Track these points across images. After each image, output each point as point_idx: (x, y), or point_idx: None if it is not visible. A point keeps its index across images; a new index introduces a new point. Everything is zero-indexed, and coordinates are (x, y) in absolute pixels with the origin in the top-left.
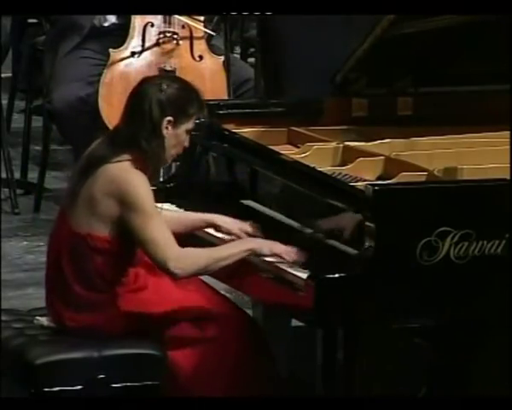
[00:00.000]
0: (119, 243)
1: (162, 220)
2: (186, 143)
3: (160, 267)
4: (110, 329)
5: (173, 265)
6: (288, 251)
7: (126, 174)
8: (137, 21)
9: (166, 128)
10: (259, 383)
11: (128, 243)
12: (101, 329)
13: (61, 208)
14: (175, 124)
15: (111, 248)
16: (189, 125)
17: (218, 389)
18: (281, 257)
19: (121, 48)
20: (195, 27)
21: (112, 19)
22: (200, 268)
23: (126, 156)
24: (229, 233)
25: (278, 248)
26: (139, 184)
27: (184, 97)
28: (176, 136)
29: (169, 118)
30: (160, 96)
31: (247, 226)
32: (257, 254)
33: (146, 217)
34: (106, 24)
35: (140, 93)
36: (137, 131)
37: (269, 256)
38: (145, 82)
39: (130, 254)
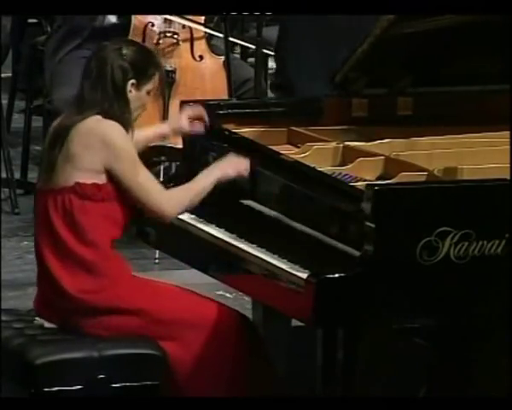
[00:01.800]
0: (108, 189)
1: (144, 166)
2: (146, 105)
3: (152, 212)
4: (109, 296)
5: (166, 208)
6: (246, 164)
7: (102, 124)
8: (138, 21)
9: (130, 91)
10: (257, 385)
11: (117, 189)
12: (101, 296)
13: (39, 184)
14: (138, 86)
15: (101, 194)
16: (149, 86)
17: (215, 390)
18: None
19: None
20: (195, 28)
21: (112, 19)
22: (184, 207)
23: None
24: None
25: (241, 165)
26: (117, 133)
27: (144, 59)
28: (139, 98)
29: (132, 81)
30: (123, 60)
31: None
32: (225, 178)
33: (133, 164)
34: (106, 24)
35: (103, 59)
36: (104, 97)
37: (235, 176)
38: (104, 48)
39: (120, 203)
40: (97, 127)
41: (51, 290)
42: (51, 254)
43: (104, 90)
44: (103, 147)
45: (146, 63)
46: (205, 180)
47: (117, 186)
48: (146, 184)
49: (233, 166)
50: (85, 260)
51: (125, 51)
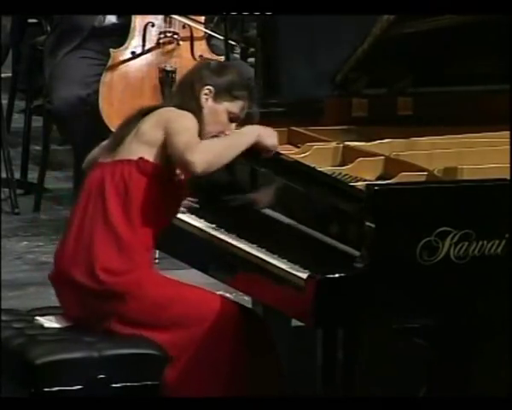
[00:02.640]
0: (166, 174)
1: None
2: (226, 127)
3: (186, 157)
4: (127, 282)
5: (200, 157)
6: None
7: (177, 111)
8: (138, 21)
9: (206, 98)
10: (260, 381)
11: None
12: (120, 279)
13: (100, 158)
14: (215, 96)
15: (160, 175)
16: (232, 106)
17: (216, 386)
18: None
19: (122, 48)
20: (196, 28)
21: (112, 19)
22: (219, 162)
23: None
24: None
25: (276, 141)
26: (190, 119)
27: (230, 75)
28: (215, 111)
29: (208, 87)
30: (205, 66)
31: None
32: (260, 143)
33: (185, 127)
34: (106, 24)
35: (192, 68)
36: (181, 98)
37: (268, 148)
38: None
39: (173, 193)
40: (171, 111)
41: (74, 257)
42: (94, 224)
43: (183, 92)
44: (170, 123)
45: (230, 79)
46: (246, 136)
47: (174, 174)
48: (188, 131)
49: (273, 138)
50: (122, 236)
51: (212, 63)
